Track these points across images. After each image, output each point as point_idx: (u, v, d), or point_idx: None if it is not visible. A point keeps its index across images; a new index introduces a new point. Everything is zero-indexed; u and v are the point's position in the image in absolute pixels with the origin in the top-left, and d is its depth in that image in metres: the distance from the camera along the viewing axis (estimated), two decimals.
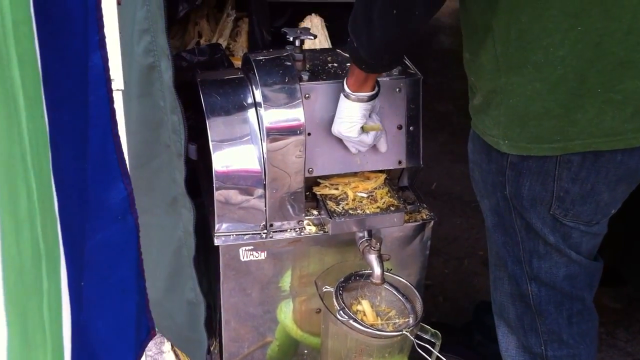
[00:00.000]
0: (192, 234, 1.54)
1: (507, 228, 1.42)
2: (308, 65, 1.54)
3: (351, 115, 1.43)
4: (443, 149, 2.97)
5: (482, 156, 1.40)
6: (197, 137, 1.57)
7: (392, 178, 1.63)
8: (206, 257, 1.79)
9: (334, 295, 1.46)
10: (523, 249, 1.41)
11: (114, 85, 1.24)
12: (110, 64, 1.20)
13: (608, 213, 1.38)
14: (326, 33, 1.92)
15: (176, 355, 2.14)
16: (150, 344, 2.18)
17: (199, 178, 1.71)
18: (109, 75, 1.08)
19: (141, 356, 1.38)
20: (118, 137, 1.16)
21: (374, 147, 1.52)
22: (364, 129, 1.44)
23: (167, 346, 2.16)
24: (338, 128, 1.46)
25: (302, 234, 1.57)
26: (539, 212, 1.35)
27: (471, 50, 1.34)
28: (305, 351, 1.74)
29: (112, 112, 1.11)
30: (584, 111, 1.24)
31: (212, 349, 2.02)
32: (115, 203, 1.18)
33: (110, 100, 1.10)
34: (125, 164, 1.22)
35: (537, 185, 1.33)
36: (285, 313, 1.67)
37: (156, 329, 2.23)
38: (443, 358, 1.42)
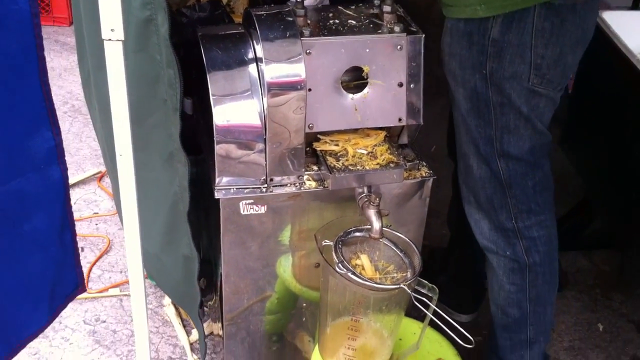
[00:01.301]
0: (187, 188, 1.55)
1: (481, 109, 1.57)
2: (309, 21, 1.54)
3: None
4: (443, 112, 2.96)
5: (462, 43, 1.53)
6: (195, 93, 1.57)
7: (392, 135, 1.64)
8: (207, 214, 1.80)
9: (333, 249, 1.48)
10: (495, 127, 1.57)
11: (113, 36, 1.24)
12: (110, 14, 1.18)
13: (568, 77, 1.60)
14: None
15: (176, 308, 2.17)
16: (151, 297, 2.22)
17: (199, 135, 1.72)
18: (37, 22, 1.03)
19: (62, 309, 1.36)
20: (47, 85, 1.11)
21: (373, 104, 1.53)
22: None
23: (167, 300, 2.19)
24: None
25: (302, 188, 1.58)
26: (517, 85, 1.52)
27: None
28: (304, 304, 1.76)
29: (41, 59, 1.07)
30: None
31: (211, 303, 2.06)
32: (39, 152, 1.14)
33: (39, 47, 1.06)
34: (56, 114, 1.18)
35: (517, 57, 1.49)
36: (285, 267, 1.70)
37: (153, 282, 2.27)
38: (440, 311, 1.44)
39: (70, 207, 1.27)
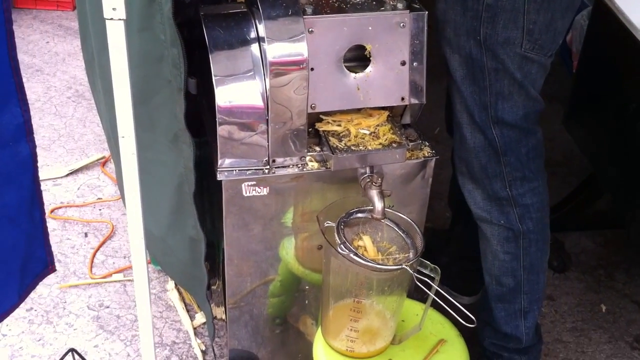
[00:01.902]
0: (192, 170, 1.55)
1: (476, 76, 1.59)
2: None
3: None
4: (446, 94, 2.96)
5: (457, 9, 1.55)
6: (198, 73, 1.56)
7: (394, 115, 1.63)
8: (210, 196, 1.80)
9: (335, 230, 1.47)
10: (490, 93, 1.59)
11: (115, 15, 1.23)
12: None
13: (558, 43, 1.62)
14: None
15: (180, 292, 2.17)
16: (154, 282, 2.22)
17: (202, 115, 1.71)
18: None
19: (32, 288, 1.35)
20: (16, 60, 1.09)
21: (375, 83, 1.52)
22: None
23: (170, 284, 2.19)
24: None
25: (305, 169, 1.57)
26: (510, 50, 1.55)
27: None
28: (307, 287, 1.76)
29: (9, 33, 1.05)
30: None
31: (214, 287, 2.06)
32: (8, 128, 1.13)
33: (7, 21, 1.03)
34: (24, 90, 1.16)
35: (510, 23, 1.52)
36: (288, 249, 1.69)
37: (157, 267, 2.27)
38: (442, 291, 1.44)
39: (39, 184, 1.26)
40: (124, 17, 1.22)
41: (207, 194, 1.79)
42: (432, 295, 1.44)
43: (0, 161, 1.15)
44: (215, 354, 1.95)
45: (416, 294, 1.65)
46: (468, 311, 1.44)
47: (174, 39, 1.41)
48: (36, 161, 1.23)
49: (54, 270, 1.35)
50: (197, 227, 1.64)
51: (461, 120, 1.66)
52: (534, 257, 1.74)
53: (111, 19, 1.22)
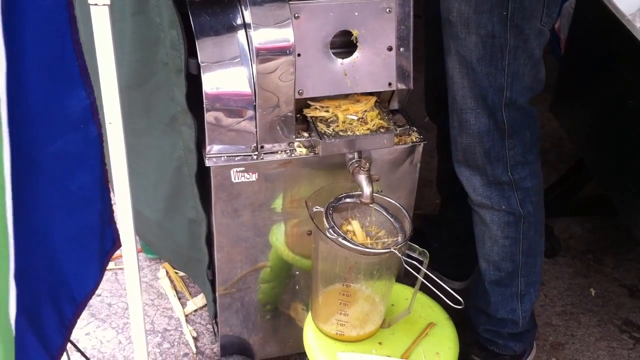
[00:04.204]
0: (193, 150, 1.55)
1: (494, 56, 1.55)
2: None
3: None
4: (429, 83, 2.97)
5: None
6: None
7: (382, 101, 1.64)
8: (203, 179, 1.80)
9: (324, 215, 1.48)
10: (507, 74, 1.56)
11: (100, 0, 1.23)
12: None
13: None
14: None
15: (171, 280, 2.18)
16: (145, 271, 2.22)
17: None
18: None
19: (106, 266, 1.39)
20: (79, 44, 1.11)
21: (362, 69, 1.52)
22: None
23: (162, 272, 2.20)
24: None
25: (293, 155, 1.58)
26: (533, 25, 1.52)
27: None
28: (297, 273, 1.77)
29: (72, 18, 1.07)
30: None
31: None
32: (76, 111, 1.16)
33: (70, 6, 1.05)
34: (88, 73, 1.19)
35: None
36: (277, 235, 1.70)
37: (149, 256, 2.26)
38: (432, 275, 1.44)
39: (105, 164, 1.29)
40: (109, 3, 1.22)
41: (202, 177, 1.79)
42: (420, 278, 1.45)
43: (74, 144, 1.18)
44: (216, 332, 1.94)
45: (406, 279, 1.66)
46: (459, 295, 1.45)
47: (172, 20, 1.41)
48: (102, 141, 1.25)
49: (119, 246, 1.37)
50: (197, 207, 1.64)
51: (464, 106, 1.62)
52: (532, 240, 1.74)
53: (95, 4, 1.22)
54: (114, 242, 1.37)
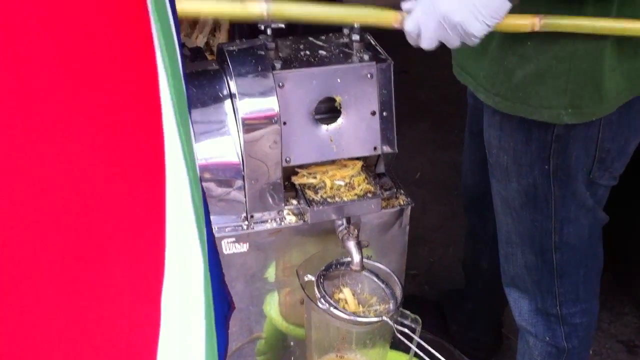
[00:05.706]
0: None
1: (538, 204, 1.46)
2: (281, 54, 1.55)
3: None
4: (425, 137, 2.98)
5: (518, 138, 1.40)
6: None
7: (369, 165, 1.64)
8: None
9: (315, 284, 1.46)
10: (554, 220, 1.47)
11: None
12: None
13: (627, 162, 1.47)
14: None
15: None
16: None
17: None
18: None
19: (228, 329, 1.32)
20: (182, 47, 1.10)
21: (347, 134, 1.52)
22: None
23: None
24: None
25: (283, 224, 1.57)
26: (580, 178, 1.42)
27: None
28: (292, 343, 1.74)
29: (176, 22, 1.04)
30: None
31: None
32: None
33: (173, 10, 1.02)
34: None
35: (582, 152, 1.38)
36: (271, 305, 1.68)
37: None
38: (423, 343, 1.42)
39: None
40: None
41: None
42: (413, 347, 1.42)
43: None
44: None
45: (402, 345, 1.63)
46: None
47: None
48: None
49: (234, 309, 1.31)
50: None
51: (509, 240, 1.57)
52: None
53: None
54: (229, 305, 1.31)
